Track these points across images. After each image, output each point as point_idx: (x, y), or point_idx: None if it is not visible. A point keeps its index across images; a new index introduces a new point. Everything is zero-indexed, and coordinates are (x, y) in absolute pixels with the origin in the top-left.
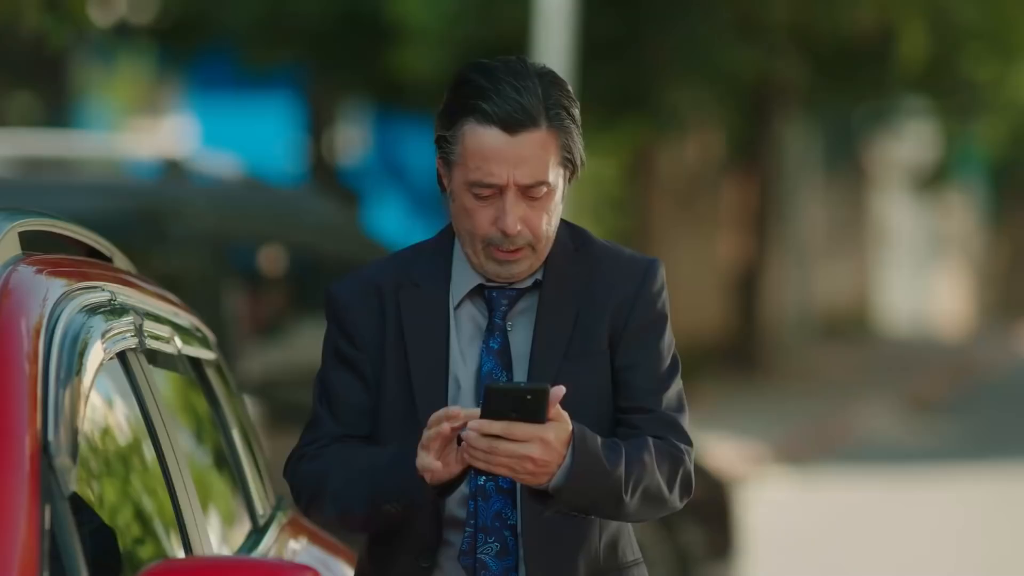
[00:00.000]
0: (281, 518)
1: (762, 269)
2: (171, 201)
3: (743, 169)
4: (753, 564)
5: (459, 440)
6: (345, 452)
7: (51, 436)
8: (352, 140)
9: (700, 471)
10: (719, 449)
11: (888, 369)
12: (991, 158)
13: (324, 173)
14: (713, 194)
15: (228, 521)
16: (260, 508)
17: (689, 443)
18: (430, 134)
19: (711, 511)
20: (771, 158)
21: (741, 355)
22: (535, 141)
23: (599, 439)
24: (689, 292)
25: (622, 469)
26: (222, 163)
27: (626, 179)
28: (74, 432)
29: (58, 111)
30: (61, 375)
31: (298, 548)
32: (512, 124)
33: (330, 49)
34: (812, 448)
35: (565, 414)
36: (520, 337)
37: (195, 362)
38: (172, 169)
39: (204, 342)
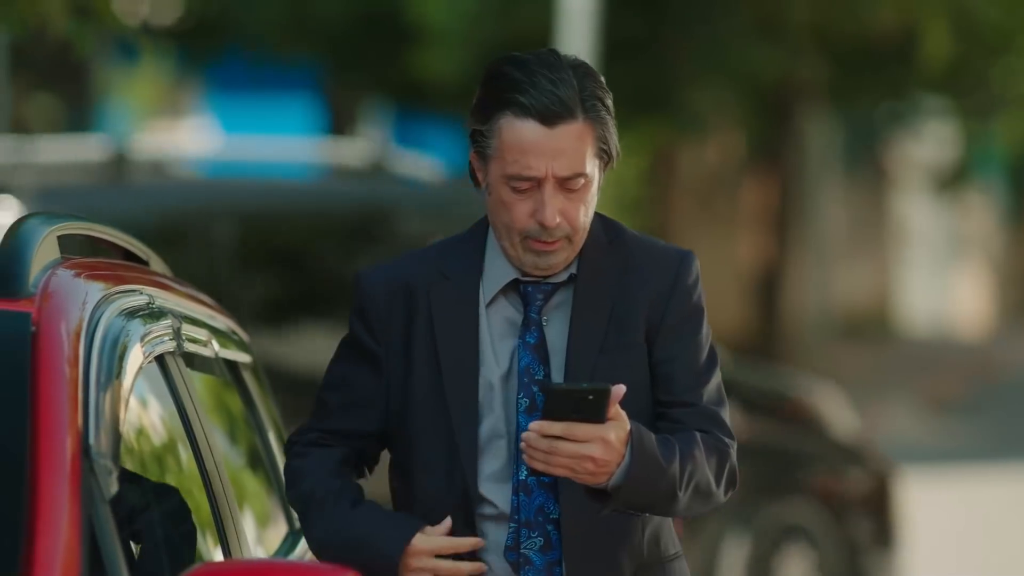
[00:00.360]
0: None
1: (782, 269)
2: (381, 203)
3: (763, 169)
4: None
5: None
6: (337, 497)
7: (92, 439)
8: (374, 139)
9: (864, 461)
10: None
11: (908, 369)
12: (1011, 158)
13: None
14: (733, 194)
15: (265, 523)
16: None
17: (732, 437)
18: (450, 134)
19: (876, 502)
20: (791, 158)
21: (762, 354)
22: (572, 133)
23: (654, 436)
24: (710, 292)
25: (676, 466)
26: (422, 164)
27: (647, 179)
28: (115, 435)
29: (79, 113)
30: (101, 378)
31: None
32: (550, 116)
33: (350, 50)
34: None
35: (623, 413)
36: (556, 332)
37: (231, 365)
38: (376, 171)
39: (240, 345)
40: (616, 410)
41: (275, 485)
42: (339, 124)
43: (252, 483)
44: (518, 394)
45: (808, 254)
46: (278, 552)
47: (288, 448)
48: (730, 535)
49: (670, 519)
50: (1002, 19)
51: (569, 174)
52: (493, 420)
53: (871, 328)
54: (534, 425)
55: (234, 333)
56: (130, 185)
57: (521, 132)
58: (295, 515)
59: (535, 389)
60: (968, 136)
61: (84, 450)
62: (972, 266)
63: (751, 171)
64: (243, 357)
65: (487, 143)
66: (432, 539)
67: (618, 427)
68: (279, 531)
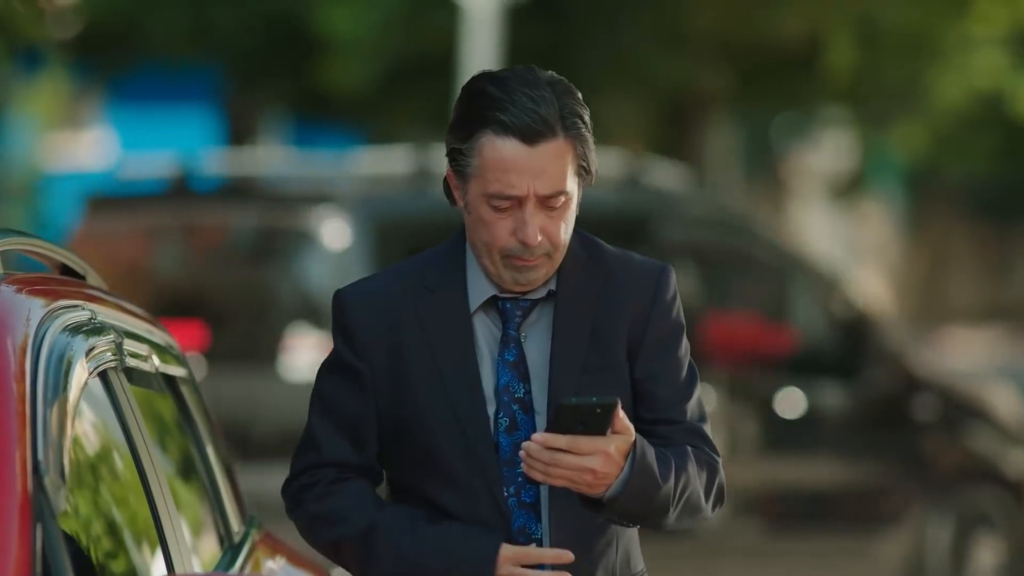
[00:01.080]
0: (254, 535)
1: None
2: (638, 213)
3: None
4: None
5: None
6: (411, 521)
7: (40, 456)
8: (273, 152)
9: None
10: None
11: None
12: (907, 166)
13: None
14: None
15: (204, 538)
16: (235, 525)
17: (718, 453)
18: (350, 145)
19: None
20: (692, 167)
21: None
22: (553, 151)
23: (654, 451)
24: None
25: (672, 481)
26: (676, 175)
27: None
28: (62, 451)
29: None
30: (48, 394)
31: (275, 567)
32: (531, 135)
33: (254, 59)
34: None
35: (631, 426)
36: (535, 349)
37: (169, 379)
38: (632, 182)
39: (178, 359)
40: (623, 424)
41: (211, 500)
42: (239, 135)
43: (191, 497)
44: (498, 413)
45: None
46: (217, 567)
47: (303, 491)
48: (934, 519)
49: (637, 537)
50: (907, 26)
51: (550, 192)
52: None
53: None
54: (537, 437)
55: (171, 347)
56: (433, 193)
57: (502, 151)
58: (233, 530)
59: (515, 408)
60: (865, 145)
61: (33, 467)
62: (869, 275)
63: None
64: (181, 371)
65: (466, 162)
66: (518, 548)
67: (621, 440)
68: (213, 546)
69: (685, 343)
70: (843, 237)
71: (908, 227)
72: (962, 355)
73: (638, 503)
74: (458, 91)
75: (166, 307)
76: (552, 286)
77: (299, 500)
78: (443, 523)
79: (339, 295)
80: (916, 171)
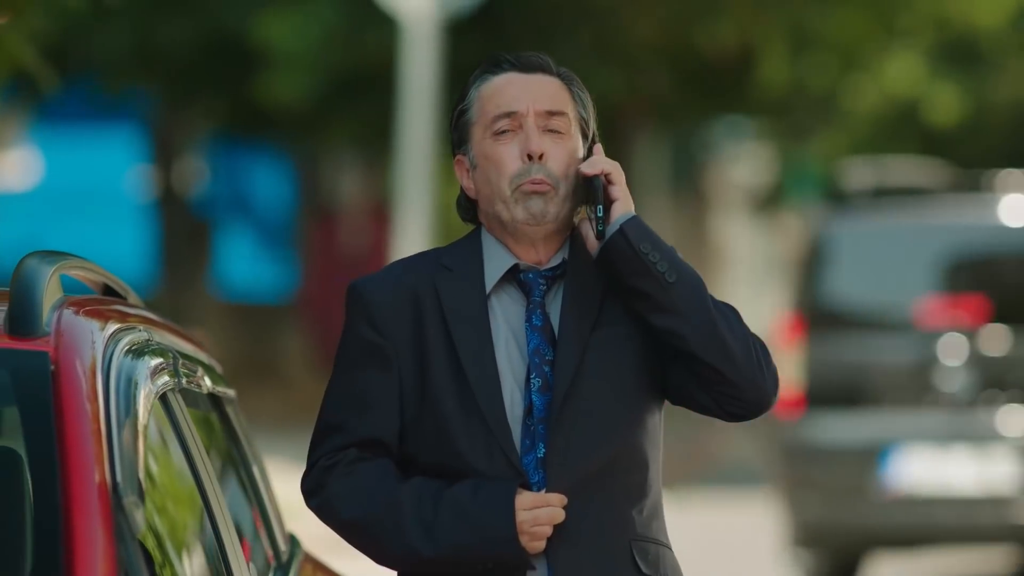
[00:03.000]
0: (299, 555)
1: None
2: None
3: None
4: None
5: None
6: (419, 484)
7: (119, 476)
8: (200, 170)
9: None
10: None
11: None
12: (826, 178)
13: (173, 203)
14: None
15: (258, 557)
16: (282, 544)
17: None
18: (276, 163)
19: None
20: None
21: None
22: (551, 83)
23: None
24: None
25: (696, 276)
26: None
27: None
28: (137, 472)
29: None
30: (120, 415)
31: None
32: (527, 65)
33: (189, 78)
34: (682, 472)
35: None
36: (555, 319)
37: (215, 399)
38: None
39: (223, 380)
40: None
41: (262, 519)
42: (166, 153)
43: (244, 518)
44: (530, 374)
45: None
46: None
47: (323, 473)
48: None
49: (663, 513)
50: (838, 36)
51: (550, 107)
52: (508, 401)
53: None
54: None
55: (215, 367)
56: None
57: (498, 80)
58: (281, 549)
59: (546, 369)
60: (783, 157)
61: (112, 487)
62: (789, 287)
63: None
64: (227, 391)
65: (468, 116)
66: (526, 494)
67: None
68: (269, 565)
69: None
70: (764, 249)
71: None
72: None
73: (645, 233)
74: (398, 106)
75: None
76: (565, 254)
77: (320, 483)
78: (458, 485)
79: (354, 284)
80: (835, 182)
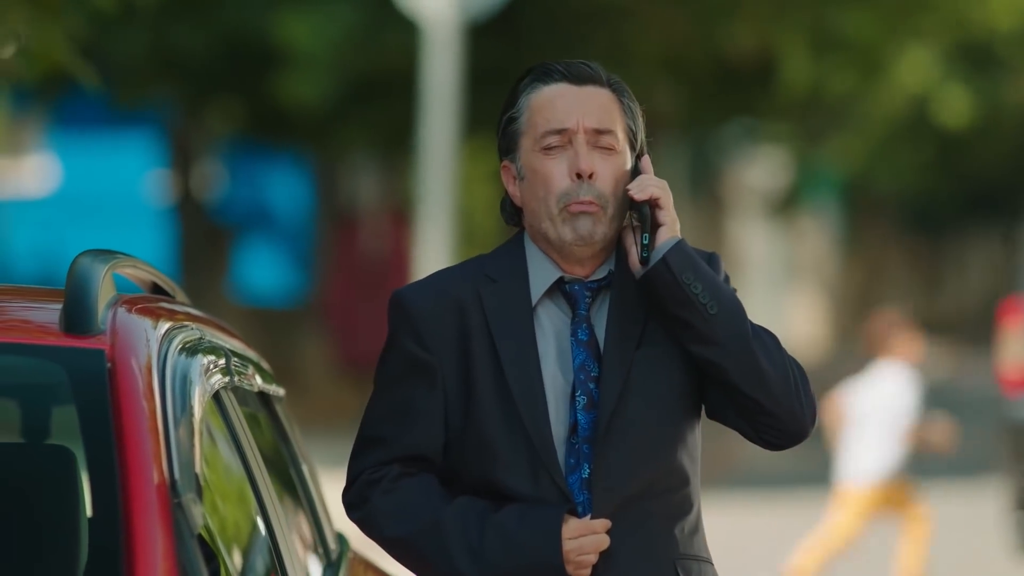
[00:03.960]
0: (348, 553)
1: None
2: None
3: None
4: None
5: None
6: (480, 514)
7: (177, 474)
8: (219, 175)
9: None
10: None
11: None
12: (843, 181)
13: (191, 208)
14: None
15: (308, 555)
16: (331, 543)
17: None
18: (298, 168)
19: None
20: None
21: None
22: (601, 96)
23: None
24: None
25: (738, 303)
26: None
27: (495, 211)
28: (194, 469)
29: None
30: (177, 413)
31: None
32: (578, 76)
33: (206, 81)
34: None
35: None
36: (600, 332)
37: (266, 398)
38: None
39: (272, 378)
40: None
41: (311, 517)
42: (185, 158)
43: (295, 516)
44: (576, 391)
45: None
46: None
47: (367, 488)
48: None
49: (703, 527)
50: (857, 37)
51: (600, 126)
52: (552, 418)
53: None
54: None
55: (264, 365)
56: None
57: (549, 92)
58: (331, 547)
59: (592, 387)
60: (799, 161)
61: (171, 484)
62: (806, 290)
63: None
64: (277, 390)
65: (517, 125)
66: (572, 521)
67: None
68: (319, 563)
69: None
70: (781, 253)
71: (844, 242)
72: None
73: (688, 263)
74: (419, 110)
75: None
76: (612, 266)
77: (364, 497)
78: (505, 509)
79: (398, 295)
80: (851, 186)
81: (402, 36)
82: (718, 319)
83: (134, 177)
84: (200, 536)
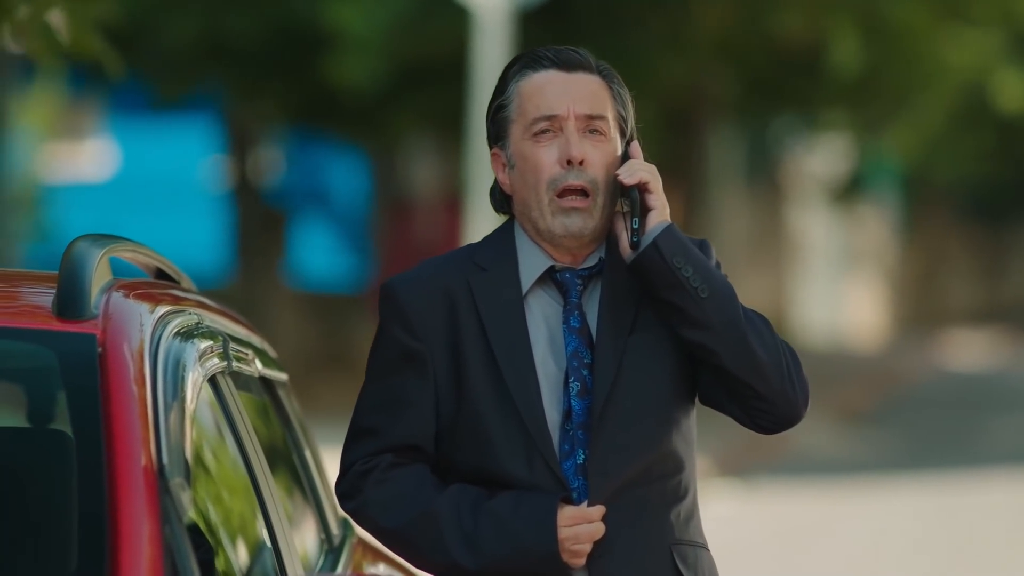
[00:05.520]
0: (352, 538)
1: None
2: None
3: (668, 182)
4: None
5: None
6: (473, 503)
7: (165, 459)
8: (275, 160)
9: None
10: None
11: (813, 381)
12: (903, 169)
13: (248, 194)
14: None
15: (306, 540)
16: (334, 528)
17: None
18: (350, 156)
19: None
20: (696, 171)
21: None
22: (591, 82)
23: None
24: None
25: (727, 285)
26: None
27: None
28: (184, 454)
29: None
30: (168, 398)
31: (375, 571)
32: (567, 63)
33: (260, 66)
34: (751, 461)
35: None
36: (592, 318)
37: (267, 383)
38: None
39: (276, 363)
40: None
41: (312, 503)
42: (241, 143)
43: (294, 500)
44: (569, 378)
45: None
46: (321, 568)
47: (359, 478)
48: None
49: (699, 513)
50: (909, 21)
51: (591, 111)
52: (546, 405)
53: None
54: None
55: (268, 351)
56: None
57: (538, 78)
58: (333, 532)
59: (585, 373)
60: (861, 149)
61: (159, 469)
62: (866, 277)
63: None
64: (279, 375)
65: (507, 112)
66: (567, 509)
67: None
68: (319, 548)
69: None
70: (841, 241)
71: (904, 230)
72: (960, 356)
73: (679, 247)
74: (469, 96)
75: None
76: (602, 254)
77: (356, 487)
78: (499, 496)
79: (387, 285)
80: (911, 174)
81: (453, 21)
82: (709, 302)
83: (191, 162)
84: (189, 520)
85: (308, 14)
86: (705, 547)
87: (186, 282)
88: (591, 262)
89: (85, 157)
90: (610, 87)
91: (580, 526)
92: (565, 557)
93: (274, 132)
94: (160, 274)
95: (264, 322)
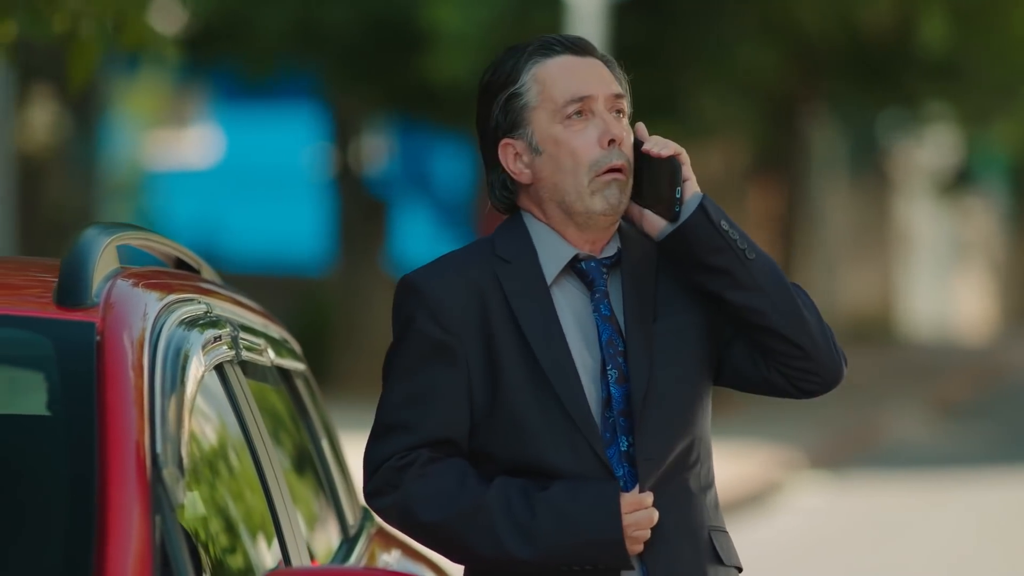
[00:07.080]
0: (369, 528)
1: (789, 275)
2: None
3: (769, 176)
4: (791, 570)
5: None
6: (522, 493)
7: (159, 448)
8: (378, 149)
9: None
10: (755, 455)
11: (913, 373)
12: (1011, 162)
13: (350, 182)
14: (739, 200)
15: (320, 530)
16: (350, 518)
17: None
18: (454, 145)
19: None
20: (798, 163)
21: None
22: (600, 66)
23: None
24: None
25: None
26: None
27: None
28: (180, 444)
29: (85, 124)
30: (166, 387)
31: (391, 560)
32: (580, 48)
33: (358, 57)
34: (844, 453)
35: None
36: (617, 307)
37: (284, 373)
38: None
39: (293, 353)
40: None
41: (328, 492)
42: (344, 132)
43: (307, 490)
44: (606, 366)
45: (814, 260)
46: (334, 559)
47: (396, 474)
48: None
49: (718, 498)
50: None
51: (617, 91)
52: (586, 393)
53: (876, 332)
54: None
55: (286, 341)
56: None
57: (558, 64)
58: (349, 522)
59: (620, 360)
60: (969, 141)
61: (152, 458)
62: (974, 270)
63: (756, 178)
64: (296, 365)
65: (523, 100)
66: (626, 496)
67: None
68: (334, 538)
69: None
70: (948, 233)
71: (1013, 221)
72: None
73: (721, 212)
74: None
75: None
76: (619, 244)
77: (392, 483)
78: (554, 486)
79: (409, 280)
80: (1019, 165)
81: (549, 15)
82: (756, 264)
83: (294, 150)
84: (183, 509)
85: (406, 9)
86: (725, 532)
87: (206, 271)
88: (610, 251)
89: (189, 144)
90: (613, 72)
91: (639, 512)
92: (627, 544)
93: (377, 121)
94: (180, 264)
95: (365, 310)
